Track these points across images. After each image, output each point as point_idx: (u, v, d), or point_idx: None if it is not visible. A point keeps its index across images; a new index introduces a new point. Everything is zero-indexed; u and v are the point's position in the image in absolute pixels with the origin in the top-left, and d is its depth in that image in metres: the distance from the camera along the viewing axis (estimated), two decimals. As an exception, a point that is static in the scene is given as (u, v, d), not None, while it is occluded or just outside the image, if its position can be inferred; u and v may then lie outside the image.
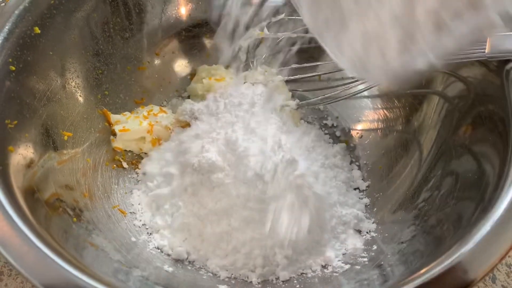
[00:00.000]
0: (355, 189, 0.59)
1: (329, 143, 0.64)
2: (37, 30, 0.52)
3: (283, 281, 0.50)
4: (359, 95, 0.64)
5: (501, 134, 0.45)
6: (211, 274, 0.50)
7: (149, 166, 0.59)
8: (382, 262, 0.47)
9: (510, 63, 0.48)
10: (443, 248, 0.39)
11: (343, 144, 0.63)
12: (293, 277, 0.50)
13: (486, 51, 0.48)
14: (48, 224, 0.43)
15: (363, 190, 0.59)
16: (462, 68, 0.53)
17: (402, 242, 0.48)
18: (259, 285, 0.49)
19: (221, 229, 0.51)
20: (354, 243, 0.53)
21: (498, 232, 0.38)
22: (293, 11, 0.64)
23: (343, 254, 0.52)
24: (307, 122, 0.66)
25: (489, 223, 0.38)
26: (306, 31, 0.62)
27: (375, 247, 0.51)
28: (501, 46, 0.47)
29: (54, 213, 0.46)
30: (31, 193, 0.45)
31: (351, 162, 0.62)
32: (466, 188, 0.46)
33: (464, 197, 0.45)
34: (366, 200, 0.58)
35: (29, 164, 0.47)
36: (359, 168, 0.62)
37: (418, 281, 0.37)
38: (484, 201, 0.41)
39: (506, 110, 0.45)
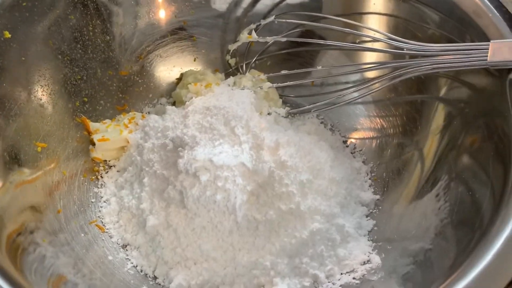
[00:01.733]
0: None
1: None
2: (7, 34, 0.49)
3: None
4: (354, 102, 0.61)
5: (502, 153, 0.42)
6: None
7: (125, 175, 0.56)
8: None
9: (515, 72, 0.44)
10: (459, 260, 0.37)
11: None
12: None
13: (488, 59, 0.44)
14: (14, 261, 0.40)
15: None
16: (464, 75, 0.50)
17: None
18: None
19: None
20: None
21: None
22: (283, 13, 0.60)
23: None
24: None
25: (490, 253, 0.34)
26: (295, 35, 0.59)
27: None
28: (504, 54, 0.43)
29: (19, 249, 0.42)
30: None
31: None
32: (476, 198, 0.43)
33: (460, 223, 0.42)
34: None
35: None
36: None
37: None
38: (482, 229, 0.37)
39: (509, 124, 0.42)
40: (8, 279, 0.35)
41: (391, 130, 0.58)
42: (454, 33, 0.50)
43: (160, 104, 0.64)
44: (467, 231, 0.40)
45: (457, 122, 0.50)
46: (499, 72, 0.46)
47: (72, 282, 0.42)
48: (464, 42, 0.49)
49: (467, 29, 0.49)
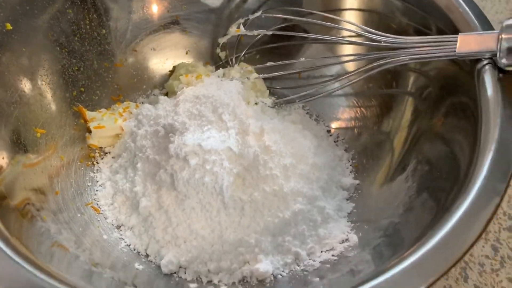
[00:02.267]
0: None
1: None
2: (8, 26, 0.52)
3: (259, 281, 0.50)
4: (337, 93, 0.64)
5: (471, 121, 0.46)
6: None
7: (119, 161, 0.59)
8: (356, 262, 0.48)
9: (481, 62, 0.48)
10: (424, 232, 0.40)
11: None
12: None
13: (457, 50, 0.48)
14: (19, 230, 0.43)
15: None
16: (434, 65, 0.54)
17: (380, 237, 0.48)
18: None
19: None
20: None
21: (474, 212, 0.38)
22: (270, 9, 0.64)
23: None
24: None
25: (463, 207, 0.38)
26: (281, 29, 0.62)
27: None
28: (471, 46, 0.47)
29: (25, 218, 0.46)
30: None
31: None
32: (440, 174, 0.46)
33: (439, 181, 0.46)
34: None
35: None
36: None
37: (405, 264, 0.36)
38: (446, 205, 0.41)
39: (476, 102, 0.46)
40: (13, 248, 0.38)
41: (370, 119, 0.62)
42: (425, 26, 0.54)
43: (154, 95, 0.67)
44: (433, 206, 0.43)
45: (426, 108, 0.54)
46: (467, 62, 0.49)
47: (74, 254, 0.45)
48: (432, 34, 0.53)
49: (438, 21, 0.53)
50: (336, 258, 0.49)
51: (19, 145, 0.50)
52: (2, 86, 0.51)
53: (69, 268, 0.42)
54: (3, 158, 0.47)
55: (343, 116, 0.65)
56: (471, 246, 0.37)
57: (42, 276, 0.36)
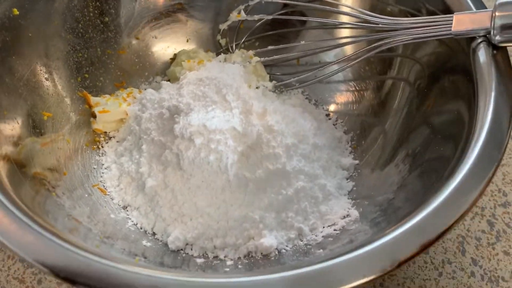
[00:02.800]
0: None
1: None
2: (15, 11, 0.53)
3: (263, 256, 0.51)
4: (335, 79, 0.66)
5: (465, 99, 0.48)
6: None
7: (124, 144, 0.60)
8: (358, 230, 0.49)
9: (476, 40, 0.49)
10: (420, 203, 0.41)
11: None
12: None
13: (452, 29, 0.49)
14: (34, 202, 0.44)
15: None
16: (427, 50, 0.56)
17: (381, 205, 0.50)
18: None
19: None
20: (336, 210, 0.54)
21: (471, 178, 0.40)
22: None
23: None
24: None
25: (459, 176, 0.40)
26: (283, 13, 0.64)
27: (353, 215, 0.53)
28: (466, 24, 0.49)
29: (39, 191, 0.47)
30: (15, 169, 0.46)
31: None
32: (434, 155, 0.48)
33: (433, 161, 0.47)
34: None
35: (14, 142, 0.48)
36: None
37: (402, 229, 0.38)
38: (437, 183, 0.43)
39: (471, 78, 0.48)
40: (33, 219, 0.39)
41: (367, 102, 0.64)
42: (418, 9, 0.57)
43: (156, 82, 0.69)
44: (426, 182, 0.45)
45: (422, 89, 0.56)
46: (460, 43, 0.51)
47: (86, 227, 0.46)
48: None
49: (432, 4, 0.55)
50: (338, 232, 0.51)
51: (30, 123, 0.52)
52: (10, 69, 0.52)
53: (85, 240, 0.44)
54: (13, 130, 0.49)
55: (341, 100, 0.67)
56: (467, 210, 0.39)
57: (66, 245, 0.37)
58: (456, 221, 0.38)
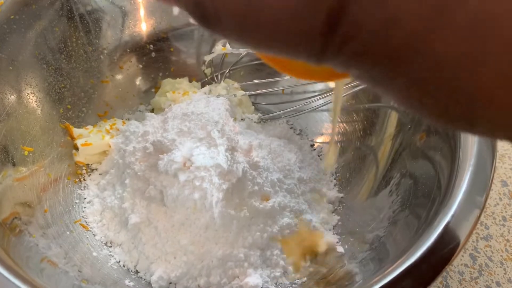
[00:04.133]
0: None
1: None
2: (-7, 43, 0.52)
3: None
4: (320, 109, 0.66)
5: (450, 143, 0.48)
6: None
7: (107, 178, 0.59)
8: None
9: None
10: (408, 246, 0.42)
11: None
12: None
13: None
14: (7, 245, 0.43)
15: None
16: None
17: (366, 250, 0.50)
18: None
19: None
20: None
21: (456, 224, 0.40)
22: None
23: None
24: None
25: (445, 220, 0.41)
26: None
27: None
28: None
29: (13, 233, 0.46)
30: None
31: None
32: (423, 190, 0.48)
33: (422, 197, 0.48)
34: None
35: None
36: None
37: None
38: (428, 220, 0.43)
39: None
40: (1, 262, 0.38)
41: (353, 134, 0.64)
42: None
43: (139, 111, 0.68)
44: (415, 221, 0.45)
45: (408, 123, 0.56)
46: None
47: (63, 270, 0.45)
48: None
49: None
50: (324, 271, 0.51)
51: (8, 160, 0.50)
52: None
53: (59, 283, 0.42)
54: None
55: (326, 131, 0.67)
56: (453, 258, 0.39)
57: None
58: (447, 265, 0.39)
